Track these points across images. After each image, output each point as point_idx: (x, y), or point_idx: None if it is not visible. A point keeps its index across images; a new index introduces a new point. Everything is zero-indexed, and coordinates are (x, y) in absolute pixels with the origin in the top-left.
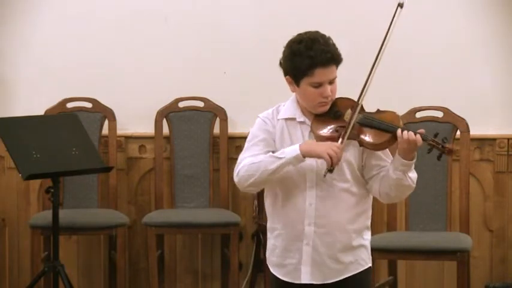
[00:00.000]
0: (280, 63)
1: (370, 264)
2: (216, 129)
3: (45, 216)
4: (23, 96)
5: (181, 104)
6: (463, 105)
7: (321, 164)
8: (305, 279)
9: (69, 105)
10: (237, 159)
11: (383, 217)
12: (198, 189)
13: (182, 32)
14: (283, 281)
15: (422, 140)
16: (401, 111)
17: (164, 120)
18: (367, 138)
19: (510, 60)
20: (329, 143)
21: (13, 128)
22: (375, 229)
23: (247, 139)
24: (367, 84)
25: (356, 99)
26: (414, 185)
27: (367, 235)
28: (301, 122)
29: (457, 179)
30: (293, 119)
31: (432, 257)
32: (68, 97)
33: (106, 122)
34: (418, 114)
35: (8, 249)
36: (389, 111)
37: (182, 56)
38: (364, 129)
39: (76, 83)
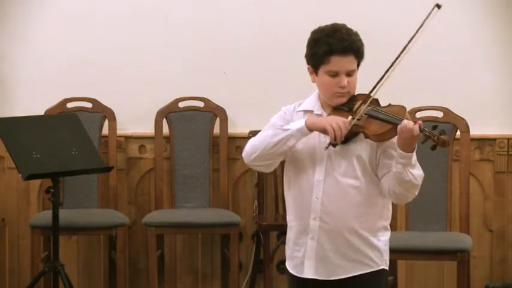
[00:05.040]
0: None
1: (384, 267)
2: (216, 129)
3: (45, 216)
4: (23, 96)
5: (181, 104)
6: (463, 105)
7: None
8: (308, 274)
9: (69, 105)
10: (237, 159)
11: None
12: (198, 189)
13: (182, 32)
14: (291, 273)
15: (419, 130)
16: None
17: (164, 120)
18: (371, 129)
19: (510, 60)
20: (335, 116)
21: (13, 128)
22: None
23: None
24: (383, 79)
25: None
26: (417, 183)
27: (383, 236)
28: (318, 115)
29: (457, 179)
30: (311, 111)
31: (432, 257)
32: (68, 97)
33: (106, 122)
34: (418, 114)
35: (8, 249)
36: (398, 105)
37: (182, 56)
38: (370, 120)
39: (76, 83)
